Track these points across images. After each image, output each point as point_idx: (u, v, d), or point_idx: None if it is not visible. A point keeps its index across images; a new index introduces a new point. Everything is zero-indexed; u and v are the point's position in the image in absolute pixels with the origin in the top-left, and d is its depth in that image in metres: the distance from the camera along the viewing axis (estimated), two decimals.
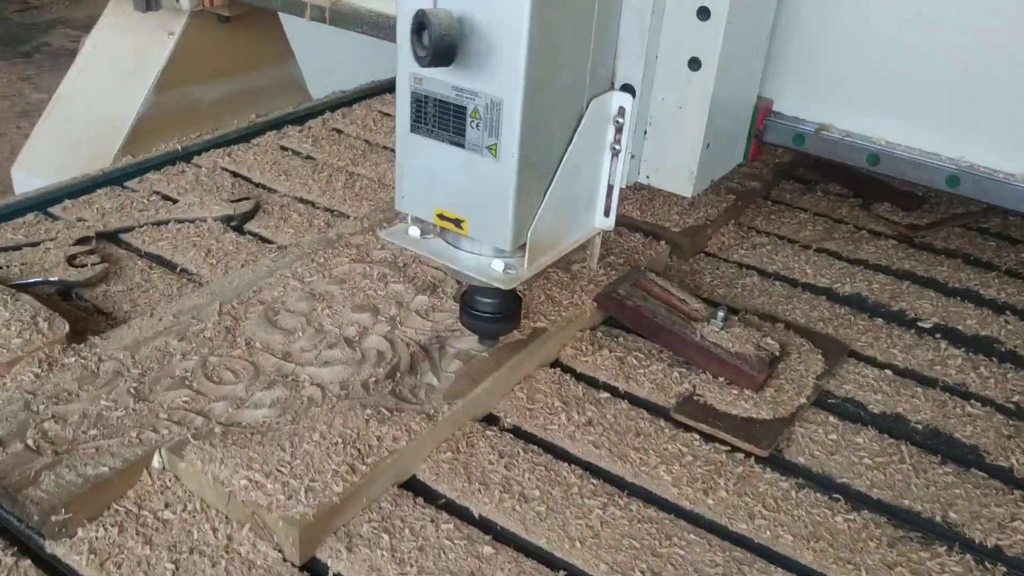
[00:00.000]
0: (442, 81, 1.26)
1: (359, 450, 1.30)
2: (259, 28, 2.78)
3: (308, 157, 2.39)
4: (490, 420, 1.50)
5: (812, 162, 2.46)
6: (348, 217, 2.04)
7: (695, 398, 1.56)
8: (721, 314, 1.63)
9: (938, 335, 1.83)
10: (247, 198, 2.08)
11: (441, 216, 1.35)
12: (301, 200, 2.15)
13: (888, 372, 1.70)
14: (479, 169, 1.28)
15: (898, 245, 2.17)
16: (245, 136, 2.49)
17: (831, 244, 2.15)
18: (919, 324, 1.87)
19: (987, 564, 1.30)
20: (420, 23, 1.19)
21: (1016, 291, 2.01)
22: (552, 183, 1.35)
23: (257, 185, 2.22)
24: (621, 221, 2.04)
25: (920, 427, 1.57)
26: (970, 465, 1.49)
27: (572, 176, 1.39)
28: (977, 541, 1.34)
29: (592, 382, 1.61)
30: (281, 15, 2.81)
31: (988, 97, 1.51)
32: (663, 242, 1.97)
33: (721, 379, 1.59)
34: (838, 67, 1.61)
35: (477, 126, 1.26)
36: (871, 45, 1.58)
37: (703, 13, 1.44)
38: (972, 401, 1.64)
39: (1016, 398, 1.66)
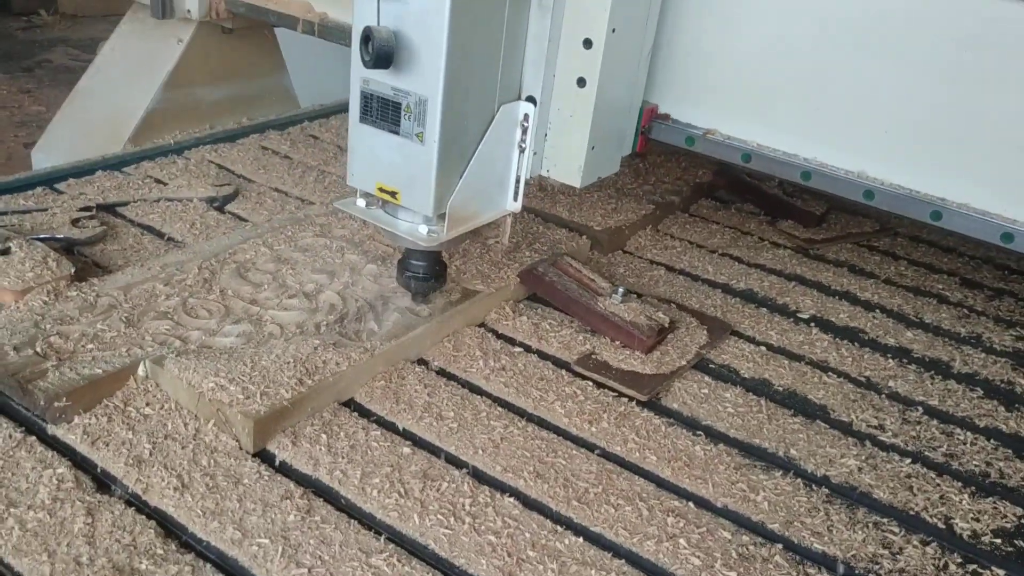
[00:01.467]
0: (384, 83, 1.61)
1: (307, 369, 1.60)
2: (257, 41, 3.12)
3: (286, 156, 2.71)
4: (421, 363, 1.80)
5: (728, 184, 2.81)
6: (316, 203, 2.35)
7: (593, 355, 1.87)
8: (621, 290, 1.95)
9: (812, 324, 2.15)
10: (228, 184, 2.39)
11: (381, 189, 1.68)
12: (276, 190, 2.46)
13: (763, 348, 2.02)
14: (410, 151, 1.63)
15: (794, 254, 2.51)
16: (231, 137, 2.81)
17: (735, 250, 2.48)
18: (798, 315, 2.19)
19: (814, 487, 1.61)
20: (366, 35, 1.54)
21: (888, 295, 2.34)
22: (468, 167, 1.69)
23: (239, 176, 2.53)
24: (551, 218, 2.37)
25: (781, 389, 1.88)
26: (816, 418, 1.80)
27: (486, 164, 1.73)
28: (809, 471, 1.65)
29: (510, 340, 1.92)
30: (276, 30, 3.15)
31: (834, 106, 1.87)
32: (584, 237, 2.29)
33: (617, 342, 1.90)
34: (715, 80, 1.97)
35: (409, 118, 1.60)
36: (742, 62, 1.93)
37: (587, 43, 1.77)
38: (829, 373, 1.95)
39: (868, 373, 1.98)
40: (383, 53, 1.53)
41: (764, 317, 2.15)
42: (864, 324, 2.18)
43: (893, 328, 2.18)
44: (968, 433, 1.81)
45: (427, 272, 1.81)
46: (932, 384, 1.96)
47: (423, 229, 1.70)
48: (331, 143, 2.86)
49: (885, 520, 1.53)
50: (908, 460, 1.70)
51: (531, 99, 1.78)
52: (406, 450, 1.54)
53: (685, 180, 2.78)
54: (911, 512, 1.57)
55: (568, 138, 1.82)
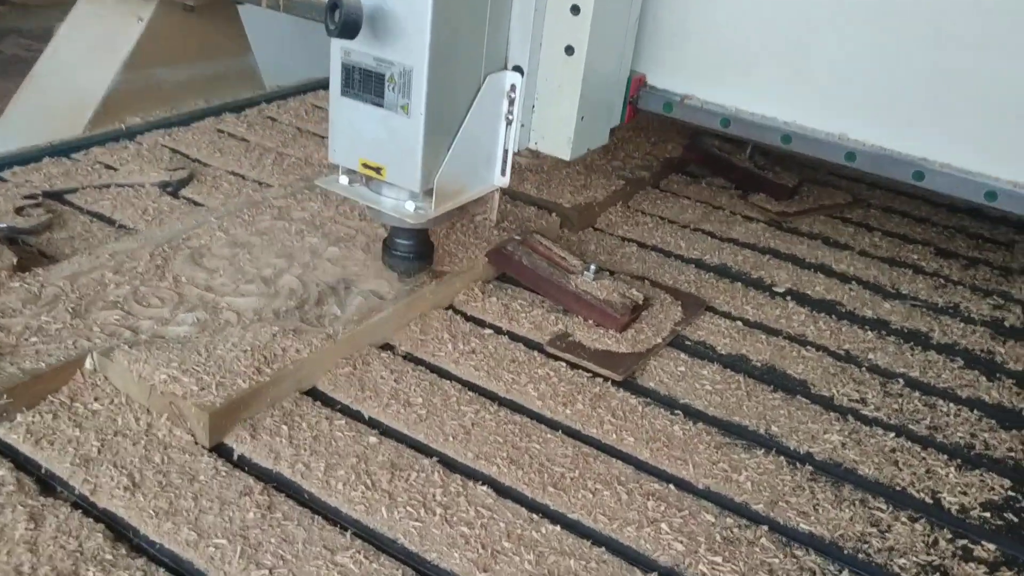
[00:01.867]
0: (366, 53, 1.53)
1: (265, 357, 1.52)
2: (220, 19, 3.01)
3: (242, 139, 2.61)
4: (386, 348, 1.73)
5: (698, 159, 2.75)
6: (274, 186, 2.26)
7: (566, 335, 1.80)
8: (593, 267, 1.88)
9: (788, 298, 2.10)
10: (183, 168, 2.29)
11: (365, 165, 1.60)
12: (233, 173, 2.37)
13: (739, 323, 1.96)
14: (394, 124, 1.56)
15: (767, 228, 2.45)
16: (185, 120, 2.70)
17: (707, 225, 2.42)
18: (773, 289, 2.14)
19: (797, 464, 1.55)
20: (333, 3, 1.46)
21: (864, 266, 2.29)
22: (455, 140, 1.62)
23: (194, 160, 2.43)
24: (519, 196, 2.30)
25: (759, 365, 1.83)
26: (796, 393, 1.75)
27: (473, 137, 1.66)
28: (792, 448, 1.59)
29: (479, 323, 1.84)
30: (240, 8, 3.04)
31: (812, 71, 1.82)
32: (554, 215, 2.22)
33: (590, 321, 1.84)
34: (696, 48, 1.91)
35: (393, 89, 1.53)
36: (721, 26, 1.88)
37: (574, 10, 1.71)
38: (808, 347, 1.90)
39: (847, 346, 1.93)
40: (350, 21, 1.46)
41: (739, 292, 2.09)
42: (841, 296, 2.13)
43: (870, 300, 2.13)
44: (951, 404, 1.77)
45: (415, 251, 1.76)
46: (912, 356, 1.92)
47: (410, 206, 1.64)
48: (289, 125, 2.76)
49: (871, 497, 1.48)
50: (892, 434, 1.65)
51: (518, 69, 1.71)
52: (372, 439, 1.46)
53: (655, 155, 2.72)
54: (897, 488, 1.52)
55: (557, 109, 1.76)
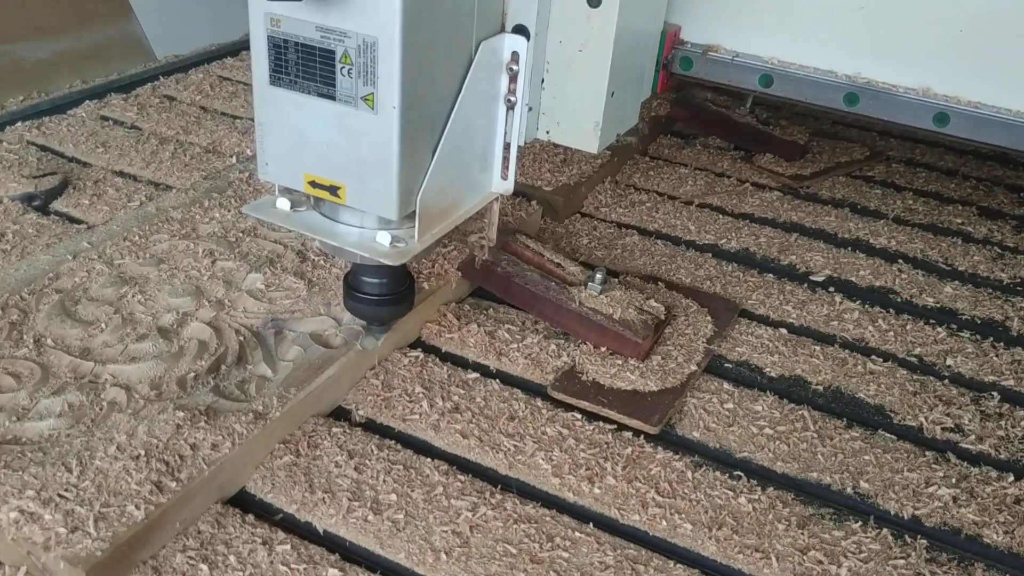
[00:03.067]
0: (304, 21, 1.03)
1: (168, 463, 1.06)
2: None
3: (133, 127, 2.10)
4: (339, 414, 1.28)
5: (690, 115, 2.31)
6: (173, 190, 1.76)
7: (575, 373, 1.37)
8: (599, 276, 1.45)
9: (831, 288, 1.70)
10: (53, 173, 1.78)
11: (314, 184, 1.12)
12: (120, 174, 1.87)
13: (783, 331, 1.55)
14: (354, 124, 1.06)
15: (783, 197, 2.04)
16: (60, 107, 2.17)
17: (714, 199, 1.99)
18: (811, 278, 1.73)
19: (907, 537, 1.16)
20: None
21: (907, 239, 1.90)
22: (441, 139, 1.13)
23: (69, 159, 1.92)
24: None
25: (821, 389, 1.42)
26: (877, 427, 1.35)
27: (464, 131, 1.18)
28: (893, 512, 1.20)
29: (459, 362, 1.40)
30: None
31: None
32: (535, 202, 1.77)
33: (603, 349, 1.41)
34: None
35: (349, 73, 1.04)
36: None
37: None
38: (873, 357, 1.51)
39: (917, 350, 1.54)
40: None
41: (772, 286, 1.68)
42: (891, 281, 1.74)
43: (926, 283, 1.74)
44: None
45: (392, 292, 1.26)
46: (997, 356, 1.54)
47: (383, 238, 1.15)
48: (192, 104, 2.24)
49: None
50: (1009, 476, 1.27)
51: (521, 30, 1.22)
52: (333, 572, 1.02)
53: (640, 115, 2.27)
54: None
55: (578, 83, 1.29)
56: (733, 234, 1.85)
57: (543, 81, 1.29)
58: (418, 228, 1.14)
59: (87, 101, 2.21)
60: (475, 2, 1.12)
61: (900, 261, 1.81)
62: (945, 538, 1.17)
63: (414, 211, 1.13)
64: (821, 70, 1.46)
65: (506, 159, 1.26)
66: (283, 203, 1.20)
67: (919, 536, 1.16)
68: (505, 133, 1.25)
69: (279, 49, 1.08)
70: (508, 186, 1.29)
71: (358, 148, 1.08)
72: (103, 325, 1.29)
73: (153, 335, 1.28)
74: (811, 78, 1.45)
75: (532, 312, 1.47)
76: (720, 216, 1.93)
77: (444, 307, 1.48)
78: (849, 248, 1.84)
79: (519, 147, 1.27)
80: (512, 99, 1.22)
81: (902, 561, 1.12)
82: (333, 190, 1.11)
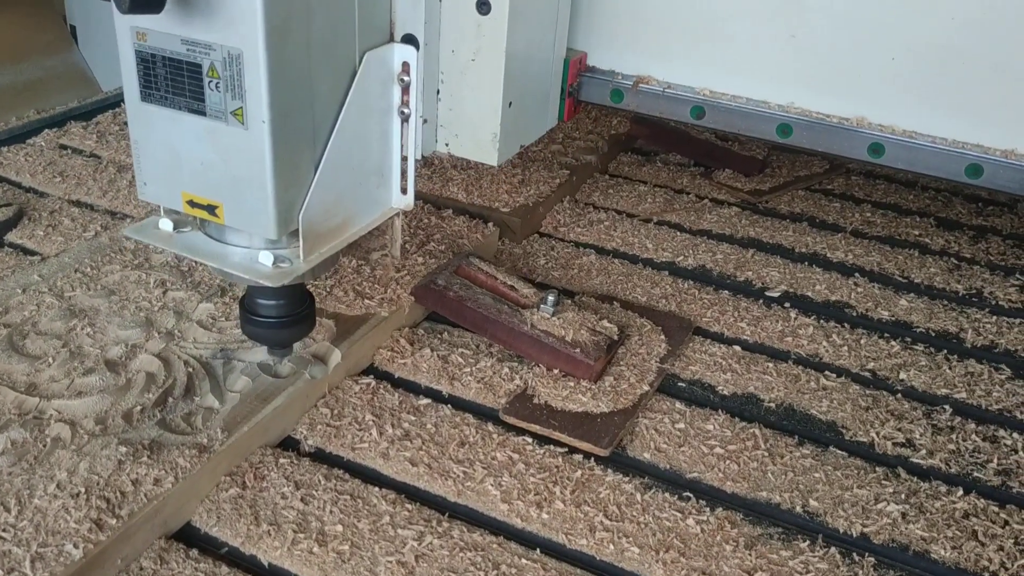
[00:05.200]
0: (169, 34, 1.02)
1: (108, 500, 1.05)
2: (28, 11, 2.43)
3: (92, 155, 2.09)
4: (288, 444, 1.28)
5: (649, 133, 2.32)
6: (128, 219, 1.76)
7: (527, 396, 1.37)
8: (551, 298, 1.45)
9: (787, 304, 1.71)
10: (7, 204, 1.78)
11: (192, 203, 1.11)
12: (76, 203, 1.86)
13: (737, 348, 1.56)
14: (226, 140, 1.04)
15: (742, 212, 2.05)
16: (19, 136, 2.17)
17: (672, 216, 2.00)
18: (767, 294, 1.74)
19: (855, 555, 1.16)
20: None
21: (864, 252, 1.91)
22: (325, 154, 1.11)
23: (26, 189, 1.91)
24: (444, 203, 1.85)
25: (774, 406, 1.43)
26: (828, 444, 1.36)
27: (352, 145, 1.16)
28: (842, 530, 1.20)
29: (412, 387, 1.40)
30: None
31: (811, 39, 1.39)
32: (491, 224, 1.78)
33: (555, 371, 1.41)
34: (655, 13, 1.46)
35: (217, 87, 1.02)
36: None
37: None
38: (826, 372, 1.51)
39: (871, 365, 1.55)
40: None
41: (727, 303, 1.69)
42: (847, 295, 1.75)
43: (881, 296, 1.75)
44: (1015, 434, 1.40)
45: (287, 314, 1.23)
46: (950, 368, 1.55)
47: (266, 258, 1.13)
48: None
49: None
50: (959, 491, 1.28)
51: (410, 40, 1.22)
52: None
53: (599, 133, 2.28)
54: (988, 574, 1.14)
55: (473, 94, 1.28)
56: (690, 251, 1.86)
57: (438, 92, 1.28)
58: (303, 247, 1.11)
59: (46, 130, 2.20)
60: (355, 11, 1.11)
61: (856, 274, 1.82)
62: (893, 555, 1.18)
63: (297, 228, 1.11)
64: (754, 100, 1.46)
65: (404, 174, 1.24)
66: (165, 224, 1.16)
67: (867, 554, 1.17)
68: (402, 147, 1.23)
69: (147, 64, 1.06)
70: (408, 201, 1.26)
71: (232, 165, 1.06)
72: (50, 360, 1.29)
73: (100, 368, 1.27)
74: (743, 109, 1.45)
75: (485, 335, 1.47)
76: (678, 233, 1.94)
77: (397, 332, 1.49)
78: (806, 263, 1.86)
79: (417, 160, 1.24)
80: (406, 111, 1.20)
81: None
82: (211, 209, 1.10)
